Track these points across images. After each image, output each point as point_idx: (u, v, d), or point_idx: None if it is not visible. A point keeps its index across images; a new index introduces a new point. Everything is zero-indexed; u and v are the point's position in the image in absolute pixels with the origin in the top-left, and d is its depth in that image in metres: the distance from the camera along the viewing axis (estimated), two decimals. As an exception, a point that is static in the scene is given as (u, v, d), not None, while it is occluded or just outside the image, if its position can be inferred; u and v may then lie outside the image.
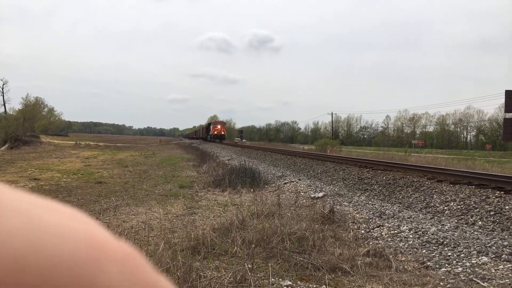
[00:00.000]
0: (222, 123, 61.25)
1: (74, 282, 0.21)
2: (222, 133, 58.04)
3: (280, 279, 3.88)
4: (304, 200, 8.50)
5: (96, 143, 53.12)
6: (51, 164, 19.37)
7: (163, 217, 7.08)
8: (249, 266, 4.04)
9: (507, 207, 6.25)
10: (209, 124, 66.55)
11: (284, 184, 11.43)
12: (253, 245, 4.86)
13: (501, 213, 6.10)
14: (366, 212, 7.14)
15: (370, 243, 5.42)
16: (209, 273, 3.87)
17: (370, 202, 8.06)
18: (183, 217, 7.01)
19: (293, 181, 11.58)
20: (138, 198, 9.32)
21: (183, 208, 7.87)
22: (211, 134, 58.37)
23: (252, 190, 10.35)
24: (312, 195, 9.16)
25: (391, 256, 4.69)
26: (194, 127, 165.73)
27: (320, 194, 9.11)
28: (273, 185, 11.49)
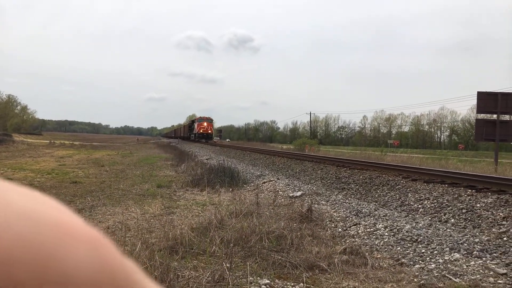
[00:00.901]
0: (209, 120, 50.19)
1: (41, 263, 0.21)
2: (209, 131, 48.87)
3: (258, 278, 3.90)
4: (282, 199, 8.55)
5: (71, 142, 51.97)
6: (24, 163, 18.84)
7: (140, 217, 7.00)
8: (228, 265, 4.05)
9: (478, 205, 6.45)
10: (192, 122, 56.35)
11: (262, 183, 11.46)
12: (231, 244, 4.86)
13: (472, 211, 6.29)
14: (343, 211, 7.24)
15: (347, 241, 5.50)
16: (187, 272, 3.85)
17: (347, 201, 8.17)
18: (161, 217, 6.94)
19: (271, 180, 11.63)
20: (115, 198, 9.17)
21: (161, 208, 7.79)
22: (196, 132, 49.39)
23: (231, 189, 10.34)
24: (291, 194, 9.23)
25: (367, 254, 4.77)
26: (173, 126, 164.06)
27: (299, 193, 9.19)
28: (252, 184, 11.51)
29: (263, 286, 3.70)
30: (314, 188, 9.86)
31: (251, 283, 3.70)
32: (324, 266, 4.26)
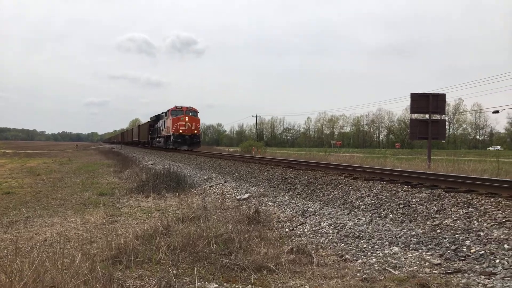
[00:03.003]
0: (193, 113, 30.79)
1: None
2: (195, 131, 29.89)
3: (207, 283, 3.86)
4: (230, 202, 8.54)
5: (3, 150, 48.38)
6: None
7: (81, 227, 6.67)
8: (174, 272, 3.97)
9: (413, 200, 6.85)
10: (157, 118, 37.47)
11: (210, 187, 11.38)
12: (178, 250, 4.77)
13: (409, 206, 6.68)
14: (290, 211, 7.38)
15: (294, 240, 5.61)
16: (132, 282, 3.72)
17: (293, 201, 8.34)
18: (103, 226, 6.66)
19: (219, 184, 11.58)
20: (53, 208, 8.66)
21: (104, 217, 7.48)
22: (169, 135, 30.32)
23: (177, 194, 10.16)
24: (238, 197, 9.25)
25: (313, 252, 4.90)
26: (115, 131, 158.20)
27: (246, 196, 9.23)
28: (199, 188, 11.39)
29: (211, 290, 3.67)
30: (261, 190, 9.96)
31: (199, 288, 3.66)
32: (272, 266, 4.31)
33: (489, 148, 78.38)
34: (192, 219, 6.26)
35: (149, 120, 41.86)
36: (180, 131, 29.08)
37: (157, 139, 36.60)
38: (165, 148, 32.80)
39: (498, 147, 74.04)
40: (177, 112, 29.94)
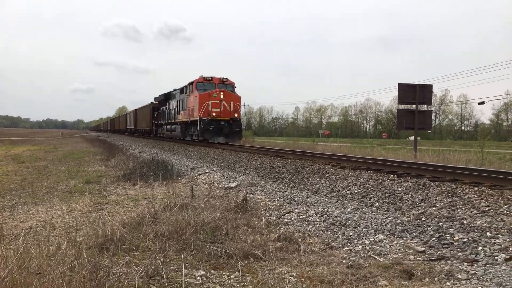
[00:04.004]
0: (229, 86, 20.89)
1: None
2: (236, 115, 20.07)
3: (194, 270, 3.87)
4: (218, 191, 8.54)
5: (-15, 137, 47.47)
6: None
7: (67, 215, 6.61)
8: (161, 259, 3.97)
9: (399, 189, 6.94)
10: (166, 98, 27.66)
11: (198, 175, 11.36)
12: (165, 238, 4.78)
13: (394, 195, 6.76)
14: (277, 200, 7.42)
15: (281, 228, 5.65)
16: (119, 269, 3.71)
17: (281, 190, 8.38)
18: (89, 213, 6.61)
19: (206, 172, 11.56)
20: (38, 196, 8.56)
21: (90, 205, 7.42)
22: (197, 119, 19.67)
23: (165, 182, 10.12)
24: (226, 185, 9.25)
25: (299, 240, 4.94)
26: (101, 118, 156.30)
27: (234, 184, 9.24)
28: (187, 177, 11.36)
29: (198, 277, 3.68)
30: (249, 179, 9.98)
31: (186, 275, 3.67)
32: (259, 254, 4.34)
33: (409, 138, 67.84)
34: (179, 207, 6.26)
35: (152, 102, 32.46)
36: (214, 114, 18.75)
37: (167, 126, 26.47)
38: (182, 140, 23.40)
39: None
40: (206, 85, 19.82)
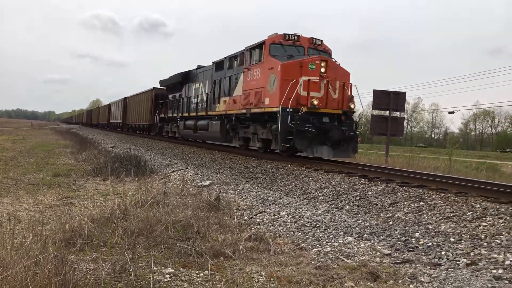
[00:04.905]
0: (326, 54, 11.38)
1: None
2: (352, 106, 10.84)
3: (163, 267, 3.85)
4: (191, 189, 8.49)
5: (-51, 125, 45.48)
6: None
7: (33, 208, 6.42)
8: (130, 256, 3.92)
9: (369, 192, 7.10)
10: (184, 78, 19.13)
11: (171, 172, 11.26)
12: (135, 235, 4.72)
13: (364, 198, 6.91)
14: (250, 199, 7.44)
15: (253, 228, 5.68)
16: (85, 265, 3.65)
17: (254, 190, 8.41)
18: (57, 207, 6.44)
19: (180, 170, 11.48)
20: (3, 187, 8.27)
21: (58, 198, 7.23)
22: (279, 111, 9.98)
23: (137, 179, 9.98)
24: (199, 184, 9.21)
25: (270, 240, 4.98)
26: (74, 110, 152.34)
27: (207, 183, 9.21)
28: (160, 173, 11.24)
29: (167, 275, 3.66)
30: (223, 178, 9.96)
31: (154, 272, 3.64)
32: (229, 253, 4.35)
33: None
34: (151, 204, 6.18)
35: (155, 87, 24.23)
36: (315, 102, 10.24)
37: (186, 122, 17.85)
38: (222, 145, 16.32)
39: None
40: (287, 49, 11.34)
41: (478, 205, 5.58)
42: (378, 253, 4.47)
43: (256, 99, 11.62)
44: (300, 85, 10.21)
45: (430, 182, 7.17)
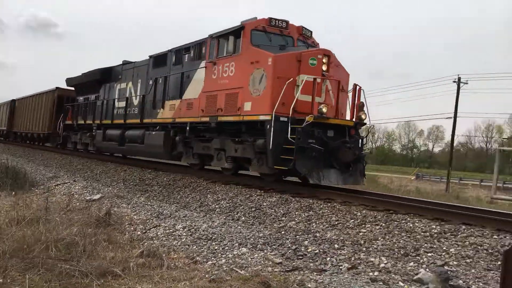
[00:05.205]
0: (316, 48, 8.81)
1: None
2: (362, 116, 8.42)
3: (40, 292, 3.47)
4: (78, 203, 7.88)
5: None
6: None
7: None
8: (1, 280, 3.46)
9: (264, 203, 7.32)
10: (104, 75, 15.13)
11: (55, 185, 10.32)
12: (8, 256, 4.19)
13: (260, 209, 7.11)
14: (144, 213, 7.16)
15: (145, 243, 5.46)
16: None
17: (149, 203, 8.11)
18: None
19: (66, 183, 10.59)
20: None
21: None
22: (270, 119, 7.42)
23: (13, 193, 8.91)
24: (88, 198, 8.61)
25: (164, 255, 4.83)
26: None
27: (97, 196, 8.64)
28: (42, 187, 10.23)
29: (44, 300, 3.31)
30: (115, 191, 9.43)
31: (29, 298, 3.26)
32: (118, 271, 4.11)
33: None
34: (29, 221, 5.57)
35: (58, 87, 19.66)
36: (324, 109, 7.58)
37: (107, 132, 14.03)
38: (116, 156, 15.50)
39: None
40: (272, 38, 8.75)
41: (359, 213, 6.12)
42: (270, 262, 4.62)
43: (228, 103, 8.75)
44: (298, 86, 7.76)
45: (319, 192, 7.67)
